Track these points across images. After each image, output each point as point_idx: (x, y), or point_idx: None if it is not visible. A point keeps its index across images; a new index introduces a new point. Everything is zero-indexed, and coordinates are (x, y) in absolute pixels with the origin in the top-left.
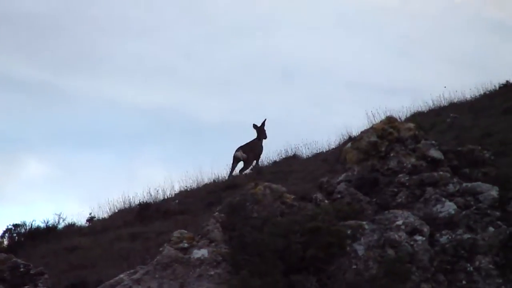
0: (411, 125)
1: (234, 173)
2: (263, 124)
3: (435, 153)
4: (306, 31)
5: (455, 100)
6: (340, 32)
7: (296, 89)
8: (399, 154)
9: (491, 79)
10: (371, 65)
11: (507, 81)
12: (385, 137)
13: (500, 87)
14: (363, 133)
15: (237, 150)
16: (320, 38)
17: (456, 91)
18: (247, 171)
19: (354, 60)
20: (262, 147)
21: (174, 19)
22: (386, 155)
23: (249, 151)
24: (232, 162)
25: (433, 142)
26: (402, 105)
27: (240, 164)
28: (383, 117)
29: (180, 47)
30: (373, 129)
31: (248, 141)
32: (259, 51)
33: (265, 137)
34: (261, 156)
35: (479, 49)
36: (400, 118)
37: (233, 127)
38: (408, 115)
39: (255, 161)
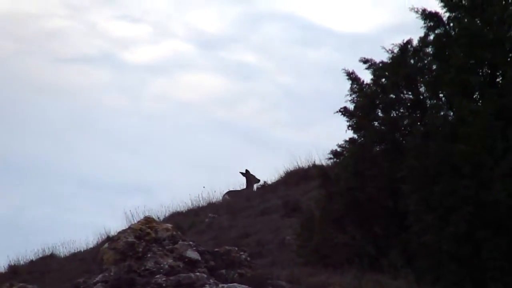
0: (169, 225)
1: None
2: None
3: (192, 254)
4: (37, 129)
5: (214, 200)
6: (71, 132)
7: (25, 188)
8: (157, 254)
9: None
10: (107, 165)
11: (265, 182)
12: (142, 237)
13: (258, 188)
14: (121, 233)
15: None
16: (50, 137)
17: (215, 191)
18: None
19: (88, 160)
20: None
21: None
22: (143, 255)
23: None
24: None
25: (191, 242)
26: (162, 204)
27: None
28: (142, 217)
29: None
30: (130, 230)
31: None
32: None
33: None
34: None
35: (215, 149)
36: (159, 218)
37: None
38: (167, 215)
39: None
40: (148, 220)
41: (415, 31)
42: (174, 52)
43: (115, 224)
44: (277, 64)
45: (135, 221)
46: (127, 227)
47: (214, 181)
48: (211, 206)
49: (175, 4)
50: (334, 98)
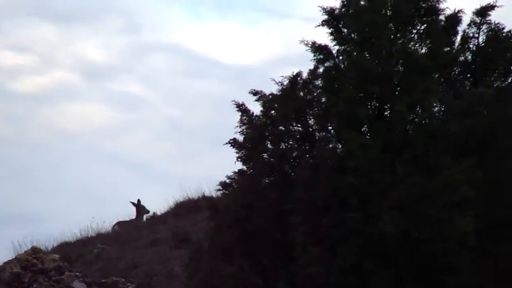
0: (56, 256)
1: None
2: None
3: (78, 285)
4: None
5: (103, 231)
6: None
7: None
8: (42, 285)
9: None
10: None
11: (154, 213)
12: (29, 268)
13: (147, 219)
14: (6, 264)
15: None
16: None
17: (104, 222)
18: None
19: None
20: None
21: None
22: (29, 286)
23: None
24: None
25: (78, 273)
26: (50, 235)
27: None
28: (29, 247)
29: None
30: (17, 260)
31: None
32: None
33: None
34: None
35: (102, 180)
36: (47, 249)
37: None
38: (55, 245)
39: None
40: (35, 251)
41: (302, 63)
42: (61, 82)
43: (2, 255)
44: (164, 95)
45: (23, 252)
46: (13, 257)
47: (103, 211)
48: (100, 237)
49: (62, 34)
50: (222, 129)
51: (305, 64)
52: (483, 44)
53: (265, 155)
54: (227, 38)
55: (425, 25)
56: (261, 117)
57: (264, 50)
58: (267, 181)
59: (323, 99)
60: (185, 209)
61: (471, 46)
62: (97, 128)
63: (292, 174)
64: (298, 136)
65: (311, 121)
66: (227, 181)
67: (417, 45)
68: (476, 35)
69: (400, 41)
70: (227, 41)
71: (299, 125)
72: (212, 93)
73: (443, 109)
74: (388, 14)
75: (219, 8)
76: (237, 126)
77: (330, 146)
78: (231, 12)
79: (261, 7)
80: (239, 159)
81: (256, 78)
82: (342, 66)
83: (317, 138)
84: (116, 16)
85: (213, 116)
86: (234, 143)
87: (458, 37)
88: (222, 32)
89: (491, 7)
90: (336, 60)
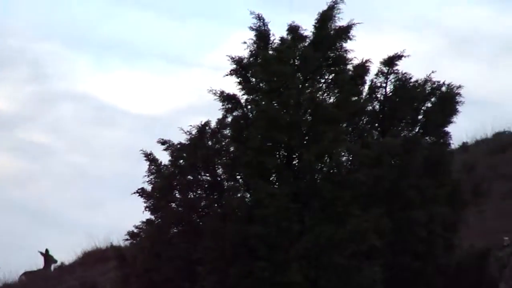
0: None
1: None
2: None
3: None
4: None
5: (9, 281)
6: None
7: None
8: None
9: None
10: None
11: (62, 263)
12: None
13: (55, 269)
14: None
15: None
16: None
17: (10, 272)
18: None
19: None
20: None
21: None
22: None
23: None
24: None
25: None
26: None
27: None
28: None
29: None
30: None
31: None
32: None
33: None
34: None
35: (7, 229)
36: None
37: None
38: None
39: None
40: None
41: (210, 113)
42: None
43: None
44: (71, 143)
45: None
46: None
47: (9, 261)
48: (6, 287)
49: None
50: (130, 179)
51: (213, 113)
52: (390, 94)
53: (173, 205)
54: (135, 87)
55: (333, 74)
56: (169, 166)
57: (172, 99)
58: (175, 230)
59: (232, 148)
60: (93, 258)
61: (378, 95)
62: (2, 176)
63: (201, 223)
64: (206, 186)
65: (220, 170)
66: (135, 230)
67: (325, 94)
68: (384, 85)
69: (308, 90)
70: (135, 90)
71: (207, 174)
72: (120, 142)
73: (351, 158)
74: (296, 63)
75: (127, 57)
76: (145, 176)
77: (239, 195)
78: (140, 61)
79: (170, 56)
80: (147, 209)
81: (165, 127)
82: (251, 115)
83: (225, 187)
84: (23, 65)
85: (121, 165)
86: (142, 192)
87: (366, 87)
88: (130, 81)
89: (398, 57)
90: (245, 109)
